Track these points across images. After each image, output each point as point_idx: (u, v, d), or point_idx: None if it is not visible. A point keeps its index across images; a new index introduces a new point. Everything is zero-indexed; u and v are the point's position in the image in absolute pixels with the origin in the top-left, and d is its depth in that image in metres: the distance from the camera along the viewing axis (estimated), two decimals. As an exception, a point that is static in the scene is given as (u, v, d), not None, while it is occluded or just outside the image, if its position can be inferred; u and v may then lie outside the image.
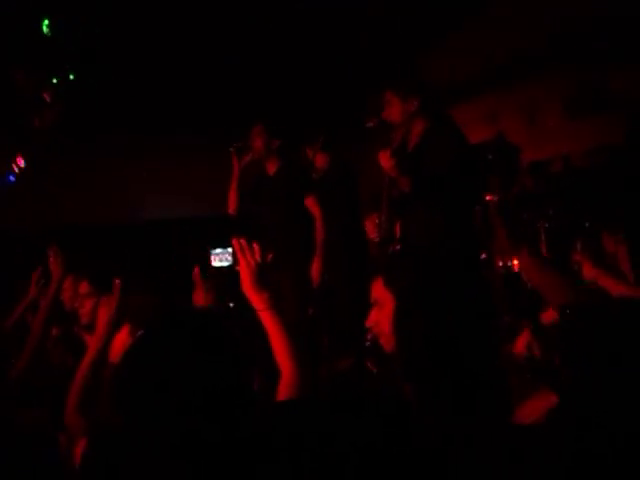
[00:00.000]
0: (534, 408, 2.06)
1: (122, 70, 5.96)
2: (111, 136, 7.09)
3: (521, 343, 3.18)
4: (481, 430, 1.45)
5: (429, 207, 3.71)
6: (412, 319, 1.59)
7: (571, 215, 5.16)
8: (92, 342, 2.57)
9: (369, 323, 2.09)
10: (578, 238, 3.57)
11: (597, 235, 4.06)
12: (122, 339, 2.94)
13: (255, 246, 1.91)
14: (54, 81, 5.14)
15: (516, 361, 3.12)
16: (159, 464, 1.24)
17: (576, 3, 5.70)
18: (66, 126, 5.73)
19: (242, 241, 1.91)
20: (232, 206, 4.77)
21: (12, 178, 6.36)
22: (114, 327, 2.61)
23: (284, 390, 1.76)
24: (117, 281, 2.73)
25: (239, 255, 1.92)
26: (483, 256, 5.01)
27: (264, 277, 1.90)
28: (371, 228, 5.57)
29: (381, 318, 1.80)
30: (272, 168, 4.77)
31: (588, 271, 3.11)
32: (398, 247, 3.97)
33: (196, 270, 2.85)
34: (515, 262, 5.50)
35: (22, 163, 6.10)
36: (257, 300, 1.89)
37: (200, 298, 2.90)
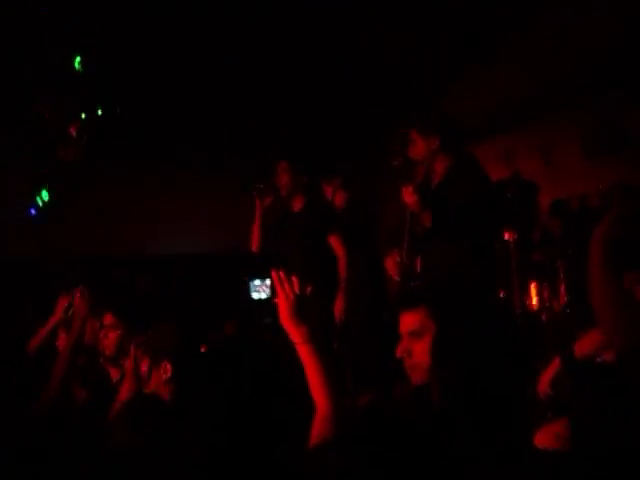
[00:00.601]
0: (550, 434, 2.04)
1: (148, 105, 6.07)
2: (137, 170, 7.21)
3: (545, 380, 3.13)
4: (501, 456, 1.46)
5: (450, 243, 3.73)
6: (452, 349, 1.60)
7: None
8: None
9: (400, 354, 2.10)
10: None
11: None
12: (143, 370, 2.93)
13: (294, 278, 1.90)
14: (83, 116, 5.24)
15: (538, 399, 3.08)
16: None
17: (592, 42, 5.75)
18: (90, 160, 5.81)
19: (281, 273, 1.90)
20: (255, 245, 4.81)
21: (34, 211, 6.44)
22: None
23: (319, 425, 1.75)
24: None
25: (278, 287, 1.91)
26: (502, 294, 5.02)
27: (303, 310, 1.89)
28: (391, 265, 5.58)
29: (417, 348, 1.80)
30: (298, 205, 4.81)
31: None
32: (416, 283, 3.99)
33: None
34: (534, 302, 5.50)
35: (45, 196, 6.18)
36: (295, 333, 1.87)
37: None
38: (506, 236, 5.14)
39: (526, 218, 5.67)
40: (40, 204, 6.27)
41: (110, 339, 3.68)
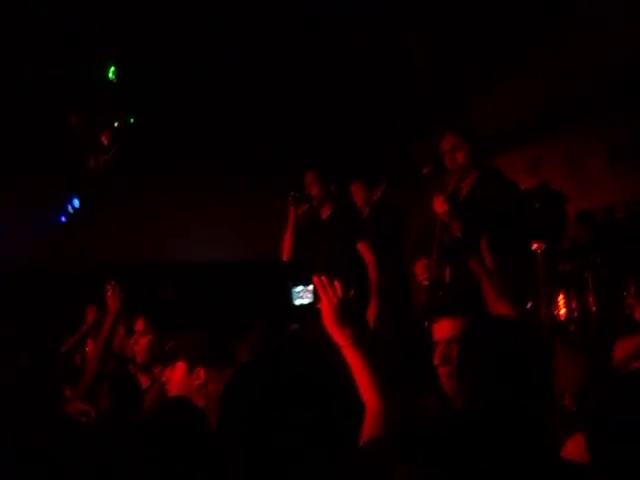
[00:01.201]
0: (578, 445, 2.04)
1: (177, 113, 6.12)
2: (167, 177, 7.29)
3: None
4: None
5: (479, 253, 3.72)
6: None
7: (622, 260, 5.10)
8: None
9: (438, 361, 2.11)
10: (632, 282, 3.54)
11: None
12: (178, 377, 2.95)
13: (336, 282, 1.92)
14: (115, 125, 5.30)
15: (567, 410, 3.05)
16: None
17: (621, 50, 5.72)
18: (121, 168, 5.87)
19: (323, 278, 1.92)
20: (286, 253, 4.84)
21: (63, 219, 6.52)
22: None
23: (370, 425, 1.76)
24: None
25: (320, 292, 1.93)
26: (529, 305, 4.99)
27: (346, 313, 1.90)
28: (420, 271, 5.58)
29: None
30: (326, 212, 4.84)
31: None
32: (445, 292, 3.98)
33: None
34: (561, 312, 5.47)
35: (76, 204, 6.25)
36: (340, 336, 1.89)
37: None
38: (534, 246, 5.12)
39: (554, 228, 5.64)
40: (71, 211, 6.35)
41: (141, 345, 3.68)
